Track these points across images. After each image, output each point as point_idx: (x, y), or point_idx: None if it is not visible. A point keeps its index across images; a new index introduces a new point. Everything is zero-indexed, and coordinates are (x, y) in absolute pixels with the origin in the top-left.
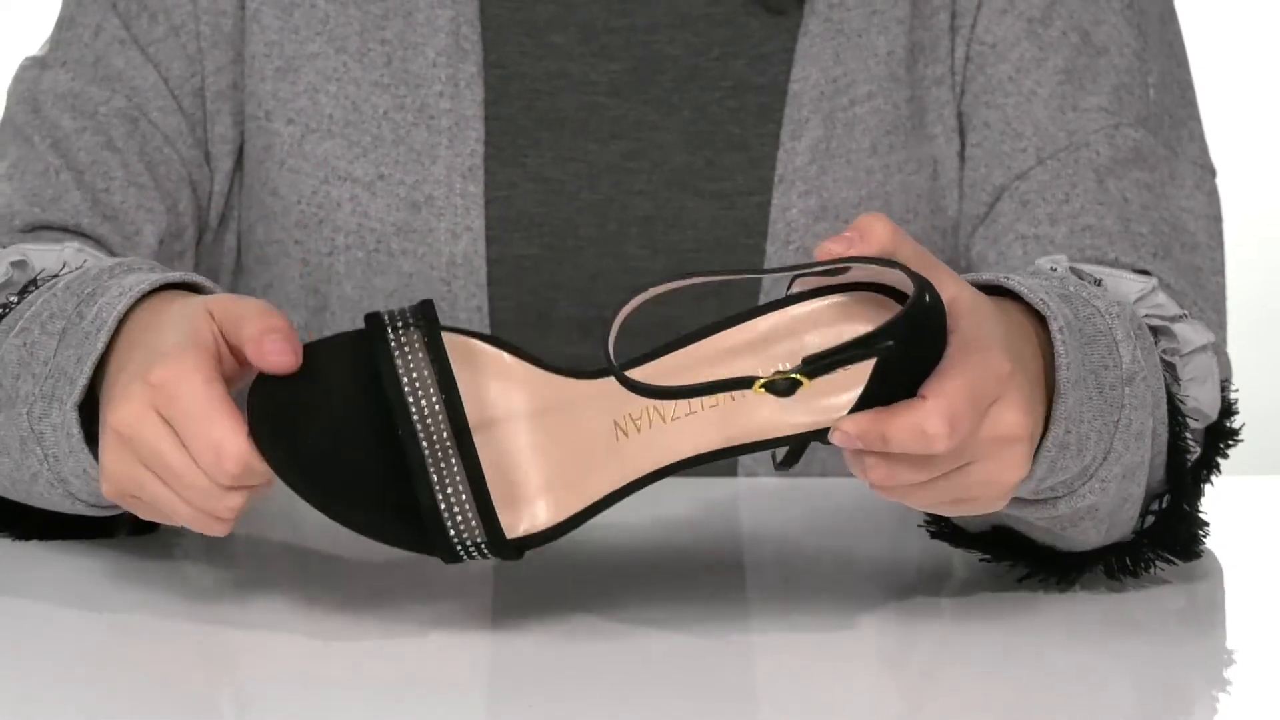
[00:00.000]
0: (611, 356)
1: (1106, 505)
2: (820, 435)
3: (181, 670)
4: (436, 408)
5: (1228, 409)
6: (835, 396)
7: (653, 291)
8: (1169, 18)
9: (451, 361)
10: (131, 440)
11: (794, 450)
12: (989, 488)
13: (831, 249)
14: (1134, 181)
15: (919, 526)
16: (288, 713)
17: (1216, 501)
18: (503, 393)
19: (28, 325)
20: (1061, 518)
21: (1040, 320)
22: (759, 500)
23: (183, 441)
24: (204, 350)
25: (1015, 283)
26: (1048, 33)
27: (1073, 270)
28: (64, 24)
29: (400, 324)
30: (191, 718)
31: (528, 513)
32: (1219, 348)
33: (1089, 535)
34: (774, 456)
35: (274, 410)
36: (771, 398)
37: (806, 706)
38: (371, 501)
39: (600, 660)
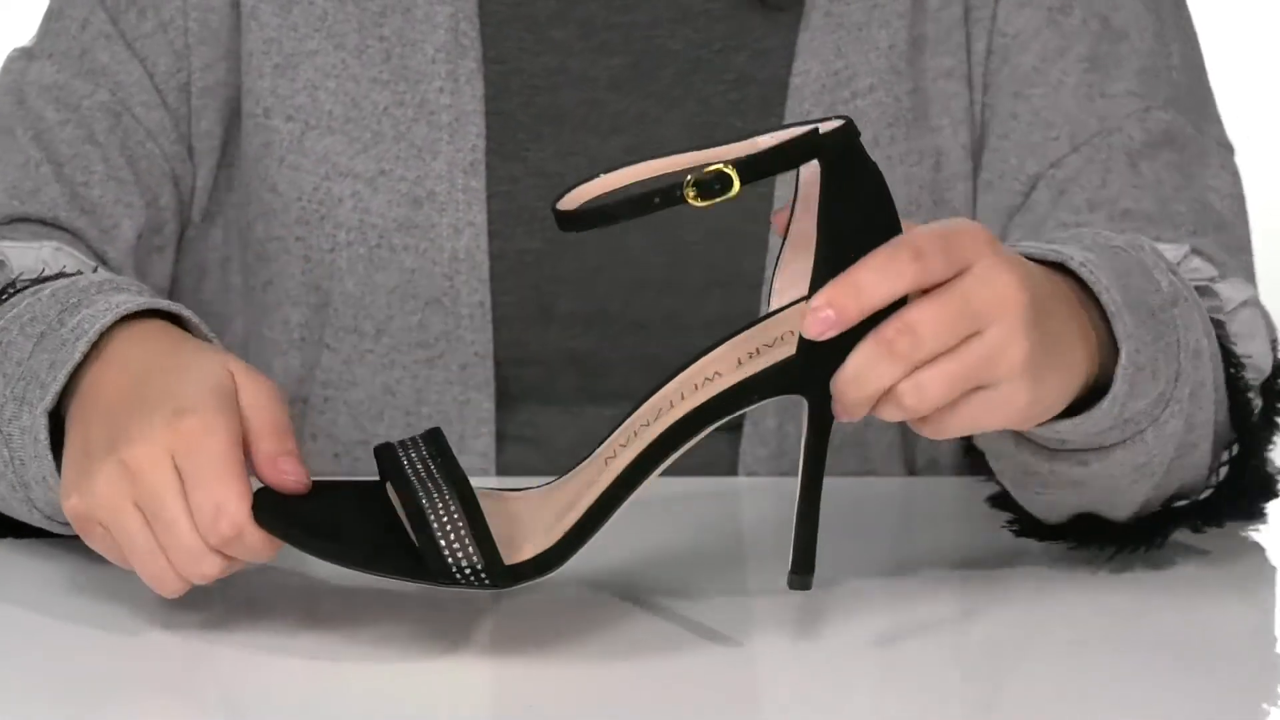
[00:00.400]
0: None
1: (1161, 458)
2: (812, 362)
3: (178, 683)
4: (435, 472)
5: (1278, 368)
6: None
7: (598, 185)
8: (1180, 0)
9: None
10: (137, 476)
11: (802, 560)
12: (1005, 365)
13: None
14: (1165, 163)
15: (1002, 527)
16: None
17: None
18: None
19: (7, 325)
20: (1145, 467)
21: (1073, 278)
22: (759, 500)
23: (186, 492)
24: (235, 416)
25: (1026, 245)
26: (1068, 21)
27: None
28: (52, 16)
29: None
30: None
31: (527, 548)
32: (1260, 306)
33: (1142, 492)
34: (789, 579)
35: (285, 507)
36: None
37: (807, 706)
38: (370, 544)
39: (600, 660)
